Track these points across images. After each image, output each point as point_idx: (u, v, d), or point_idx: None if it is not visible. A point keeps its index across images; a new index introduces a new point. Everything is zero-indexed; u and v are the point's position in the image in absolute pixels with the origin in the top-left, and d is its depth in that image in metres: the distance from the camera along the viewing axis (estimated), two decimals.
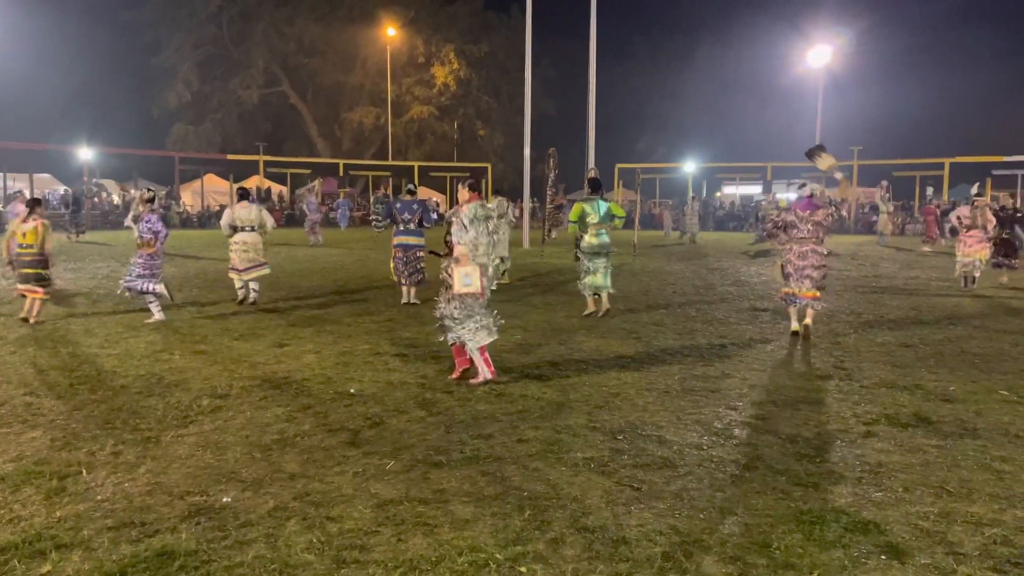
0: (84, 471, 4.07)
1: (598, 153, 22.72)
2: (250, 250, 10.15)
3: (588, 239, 9.28)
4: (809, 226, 7.98)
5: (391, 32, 44.34)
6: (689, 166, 39.27)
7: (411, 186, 11.87)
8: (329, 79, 46.41)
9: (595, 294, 9.45)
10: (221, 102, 45.15)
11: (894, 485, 3.96)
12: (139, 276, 8.76)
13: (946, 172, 33.85)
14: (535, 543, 3.28)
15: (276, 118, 49.13)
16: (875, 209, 38.25)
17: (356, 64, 46.78)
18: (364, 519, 3.51)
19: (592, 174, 21.56)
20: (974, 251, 12.41)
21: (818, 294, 8.04)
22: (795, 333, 8.08)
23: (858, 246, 23.52)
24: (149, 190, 9.49)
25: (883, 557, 3.19)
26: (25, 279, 8.68)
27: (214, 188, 40.49)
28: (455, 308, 5.95)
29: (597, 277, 9.30)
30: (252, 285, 10.29)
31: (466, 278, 5.90)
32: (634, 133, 52.44)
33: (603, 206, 9.31)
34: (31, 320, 8.59)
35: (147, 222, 8.84)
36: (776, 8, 52.93)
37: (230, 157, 40.38)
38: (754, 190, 40.67)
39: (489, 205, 6.03)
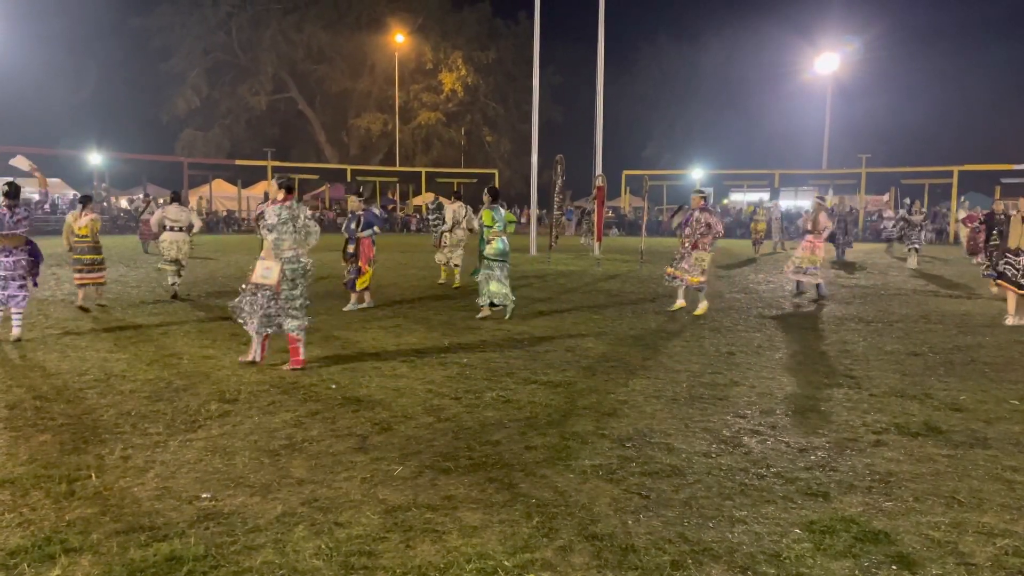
0: (93, 475, 4.08)
1: (605, 160, 22.77)
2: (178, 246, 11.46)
3: (494, 246, 9.48)
4: (701, 227, 10.09)
5: (399, 39, 44.53)
6: (696, 173, 39.24)
7: (364, 194, 11.66)
8: (337, 85, 46.60)
9: (492, 304, 9.58)
10: (230, 108, 45.38)
11: (904, 495, 3.94)
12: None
13: (955, 180, 33.75)
14: (543, 550, 3.28)
15: (284, 124, 49.35)
16: (882, 216, 38.20)
17: (364, 70, 46.96)
18: (372, 525, 3.51)
19: (599, 181, 21.66)
20: (802, 255, 11.98)
21: (701, 279, 10.17)
22: (679, 309, 10.39)
23: (866, 254, 23.43)
24: (8, 184, 7.98)
25: (893, 567, 3.17)
26: (85, 266, 10.03)
27: (222, 193, 40.68)
28: (287, 301, 6.56)
29: (496, 285, 9.47)
30: (170, 279, 11.38)
31: (266, 271, 6.56)
32: (641, 140, 52.46)
33: (502, 213, 9.68)
34: (96, 304, 10.14)
35: None
36: (783, 15, 52.94)
37: (238, 162, 40.60)
38: (761, 197, 40.62)
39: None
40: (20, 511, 3.61)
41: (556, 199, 20.87)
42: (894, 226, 21.03)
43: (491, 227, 9.55)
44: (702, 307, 10.24)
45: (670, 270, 10.46)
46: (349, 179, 42.47)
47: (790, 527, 3.53)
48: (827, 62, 39.26)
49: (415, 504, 3.74)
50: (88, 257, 10.08)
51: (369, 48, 46.07)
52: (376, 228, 10.38)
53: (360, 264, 10.20)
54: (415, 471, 4.20)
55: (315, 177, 42.64)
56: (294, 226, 6.59)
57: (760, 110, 46.91)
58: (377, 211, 11.12)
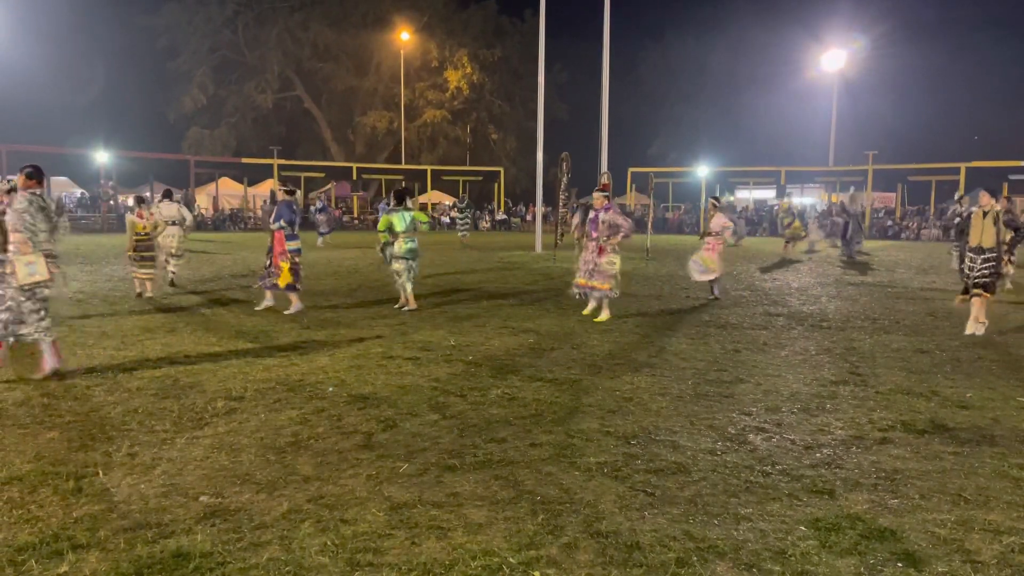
0: (100, 472, 4.10)
1: (611, 157, 22.73)
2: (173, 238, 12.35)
3: (399, 245, 9.95)
4: (603, 227, 9.33)
5: (405, 36, 44.52)
6: (702, 170, 39.16)
7: (289, 186, 10.87)
8: (343, 83, 46.63)
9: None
10: (236, 106, 45.46)
11: (910, 492, 3.93)
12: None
13: (962, 177, 33.59)
14: (548, 548, 3.28)
15: (290, 122, 49.42)
16: (890, 214, 38.05)
17: (370, 68, 46.99)
18: (378, 522, 3.52)
19: (605, 179, 21.64)
20: (702, 256, 11.51)
21: (607, 286, 9.42)
22: (592, 312, 9.63)
23: (873, 252, 23.34)
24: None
25: (899, 565, 3.17)
26: (146, 262, 11.03)
27: (229, 192, 40.78)
28: (24, 301, 6.02)
29: (404, 278, 10.08)
30: (171, 268, 12.32)
31: (30, 266, 5.97)
32: (647, 137, 52.39)
33: (408, 216, 10.00)
34: (145, 296, 10.86)
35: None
36: (790, 13, 52.67)
37: (245, 161, 40.66)
38: (768, 194, 40.52)
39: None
40: (28, 508, 3.64)
41: (561, 196, 20.87)
42: (952, 221, 20.57)
43: (386, 230, 10.02)
44: (604, 315, 9.42)
45: (581, 281, 9.63)
46: (355, 177, 42.52)
47: (796, 524, 3.53)
48: (833, 59, 39.10)
49: (420, 501, 3.75)
50: (150, 254, 11.23)
51: (375, 46, 46.11)
52: (283, 222, 9.71)
53: (273, 259, 9.80)
54: (420, 468, 4.20)
55: (321, 175, 42.72)
56: (47, 216, 6.12)
57: (766, 107, 46.78)
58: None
